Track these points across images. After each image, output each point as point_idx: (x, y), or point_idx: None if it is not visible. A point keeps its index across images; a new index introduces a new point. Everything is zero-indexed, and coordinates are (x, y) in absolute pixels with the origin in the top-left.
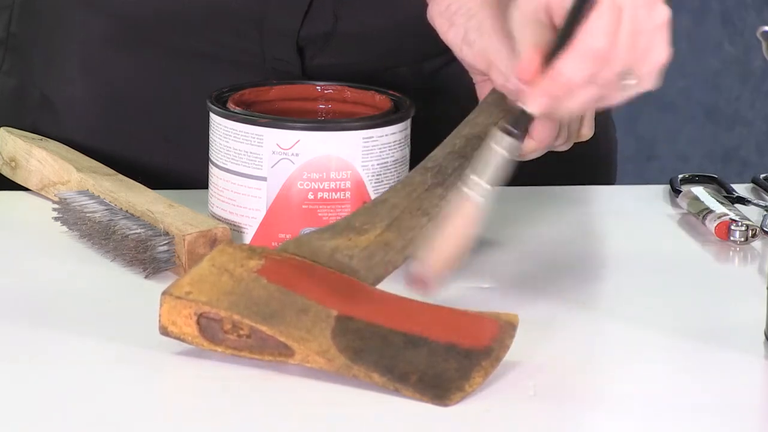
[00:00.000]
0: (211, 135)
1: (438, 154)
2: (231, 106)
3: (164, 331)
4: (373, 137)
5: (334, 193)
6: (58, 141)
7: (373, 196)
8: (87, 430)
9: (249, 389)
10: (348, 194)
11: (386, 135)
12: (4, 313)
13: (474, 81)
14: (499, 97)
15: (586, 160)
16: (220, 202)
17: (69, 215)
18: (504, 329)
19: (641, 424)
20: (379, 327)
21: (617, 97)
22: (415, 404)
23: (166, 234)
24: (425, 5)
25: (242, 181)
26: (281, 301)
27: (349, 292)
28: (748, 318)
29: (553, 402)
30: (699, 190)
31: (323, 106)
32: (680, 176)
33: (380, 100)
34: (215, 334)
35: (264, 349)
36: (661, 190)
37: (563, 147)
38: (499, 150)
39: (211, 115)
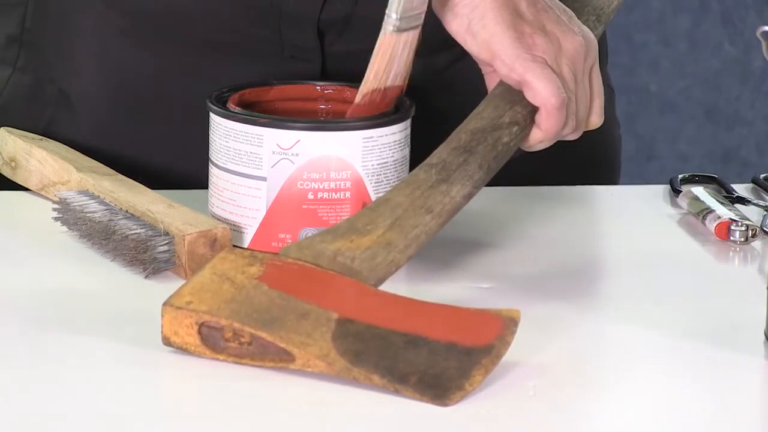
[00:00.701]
0: (211, 135)
1: (442, 150)
2: (231, 106)
3: (167, 342)
4: (373, 137)
5: (334, 193)
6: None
7: (373, 196)
8: (87, 430)
9: (249, 389)
10: (348, 194)
11: (386, 135)
12: (4, 313)
13: (483, 72)
14: (506, 89)
15: (590, 159)
16: (220, 202)
17: (69, 215)
18: (506, 325)
19: (641, 423)
20: (380, 329)
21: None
22: (415, 404)
23: (166, 234)
24: None
25: (242, 181)
26: (282, 306)
27: (349, 294)
28: (748, 318)
29: (553, 402)
30: (699, 190)
31: (323, 106)
32: (680, 176)
33: None
34: (217, 343)
35: (265, 356)
36: (661, 190)
37: (572, 136)
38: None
39: (211, 115)
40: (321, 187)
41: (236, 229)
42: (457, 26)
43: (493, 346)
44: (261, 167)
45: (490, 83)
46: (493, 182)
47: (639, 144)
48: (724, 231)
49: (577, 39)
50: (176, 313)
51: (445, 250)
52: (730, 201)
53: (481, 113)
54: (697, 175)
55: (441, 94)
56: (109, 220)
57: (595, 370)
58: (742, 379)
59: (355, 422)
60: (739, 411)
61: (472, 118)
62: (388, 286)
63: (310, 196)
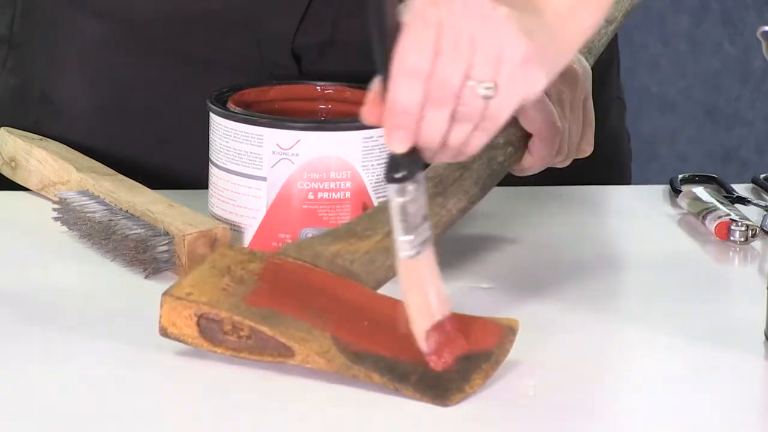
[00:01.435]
0: (211, 135)
1: (438, 165)
2: (231, 106)
3: (164, 332)
4: (373, 137)
5: (334, 193)
6: (58, 140)
7: (373, 196)
8: (86, 430)
9: (249, 389)
10: (348, 194)
11: None
12: (4, 313)
13: None
14: None
15: (598, 168)
16: (220, 202)
17: (69, 215)
18: (504, 334)
19: (641, 424)
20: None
21: (494, 113)
22: (415, 404)
23: (166, 234)
24: None
25: (242, 181)
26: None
27: (347, 300)
28: (748, 318)
29: (553, 402)
30: (699, 190)
31: (323, 106)
32: (680, 176)
33: None
34: (215, 336)
35: (264, 350)
36: (661, 190)
37: (562, 163)
38: (395, 199)
39: (211, 115)
40: (321, 187)
41: (236, 229)
42: None
43: (493, 353)
44: (261, 167)
45: None
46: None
47: (639, 144)
48: (724, 231)
49: (574, 68)
50: (176, 304)
51: (445, 250)
52: (730, 201)
53: None
54: (697, 175)
55: None
56: (109, 220)
57: (595, 370)
58: (742, 379)
59: (355, 422)
60: (739, 411)
61: None
62: (386, 285)
63: (310, 196)
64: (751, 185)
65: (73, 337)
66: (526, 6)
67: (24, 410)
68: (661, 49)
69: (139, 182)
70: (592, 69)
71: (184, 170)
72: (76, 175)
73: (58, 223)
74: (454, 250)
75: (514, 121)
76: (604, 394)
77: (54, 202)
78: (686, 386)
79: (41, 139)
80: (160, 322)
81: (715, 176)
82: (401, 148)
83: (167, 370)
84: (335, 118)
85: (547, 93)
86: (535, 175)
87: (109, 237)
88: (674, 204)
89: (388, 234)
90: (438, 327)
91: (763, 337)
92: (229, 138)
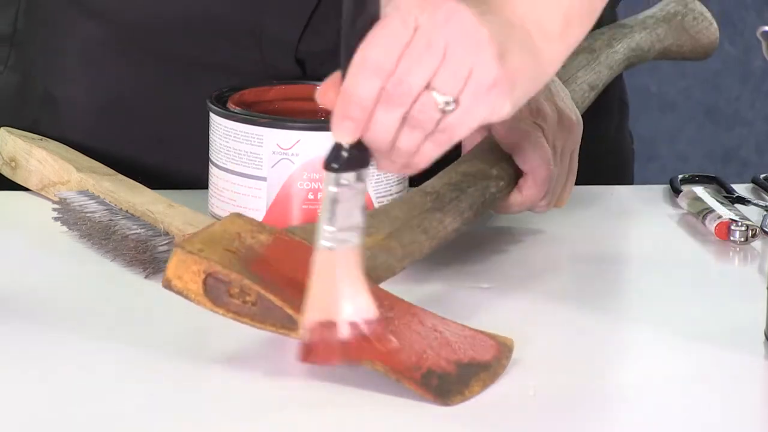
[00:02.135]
0: (211, 135)
1: (436, 183)
2: (231, 106)
3: (167, 284)
4: None
5: None
6: (58, 138)
7: (372, 196)
8: (86, 430)
9: (249, 389)
10: None
11: None
12: (4, 313)
13: None
14: (492, 147)
15: (602, 170)
16: (220, 202)
17: (69, 215)
18: (501, 350)
19: (641, 423)
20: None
21: (450, 127)
22: (415, 404)
23: (166, 234)
24: None
25: (242, 181)
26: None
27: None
28: (748, 318)
29: (553, 402)
30: (699, 190)
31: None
32: (680, 176)
33: None
34: (219, 296)
35: (266, 319)
36: (661, 190)
37: (543, 209)
38: (327, 189)
39: (211, 115)
40: (321, 187)
41: None
42: None
43: (491, 365)
44: (261, 167)
45: (468, 143)
46: None
47: (639, 144)
48: (724, 231)
49: (573, 117)
50: (186, 257)
51: (445, 250)
52: (730, 201)
53: (471, 161)
54: (697, 175)
55: None
56: (109, 220)
57: (595, 370)
58: (742, 379)
59: (355, 422)
60: (739, 411)
61: (461, 163)
62: (387, 286)
63: (310, 196)
64: (751, 185)
65: (72, 337)
66: (516, 23)
67: (24, 410)
68: None
69: (139, 182)
70: None
71: (184, 170)
72: (76, 175)
73: (58, 223)
74: (454, 250)
75: (508, 157)
76: (604, 394)
77: (54, 202)
78: (686, 386)
79: (41, 139)
80: (165, 273)
81: (715, 176)
82: (346, 139)
83: (167, 370)
84: None
85: (545, 135)
86: None
87: (109, 237)
88: (674, 204)
89: (390, 235)
90: (330, 325)
91: (763, 337)
92: (229, 138)
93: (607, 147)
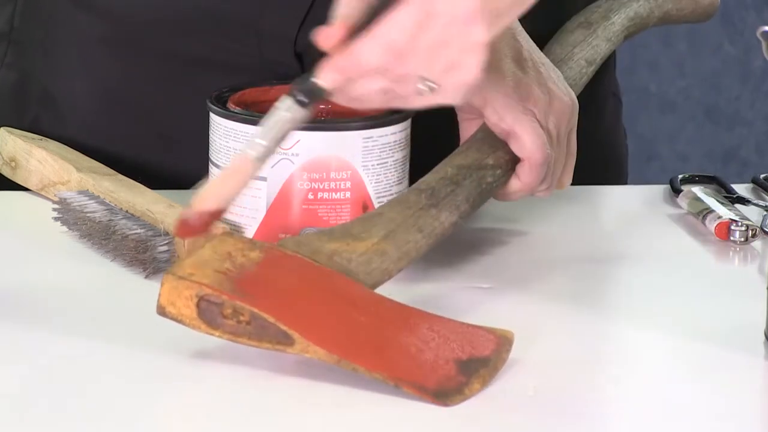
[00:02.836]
0: (211, 135)
1: (430, 178)
2: (231, 106)
3: (161, 311)
4: (373, 137)
5: (334, 193)
6: (57, 137)
7: (373, 196)
8: (86, 430)
9: (249, 389)
10: (348, 194)
11: (386, 135)
12: (4, 313)
13: (459, 119)
14: (487, 135)
15: (596, 165)
16: None
17: (69, 215)
18: (501, 343)
19: (641, 424)
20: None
21: (413, 101)
22: (415, 404)
23: (166, 234)
24: None
25: None
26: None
27: (346, 296)
28: (748, 318)
29: (553, 402)
30: (699, 190)
31: (323, 106)
32: (680, 176)
33: None
34: (214, 318)
35: (263, 337)
36: (661, 190)
37: (544, 194)
38: (281, 112)
39: (211, 115)
40: (321, 187)
41: (236, 229)
42: None
43: (490, 360)
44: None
45: (465, 130)
46: None
47: (639, 144)
48: (724, 231)
49: (566, 99)
50: (177, 283)
51: (444, 250)
52: (730, 201)
53: (465, 152)
54: (697, 175)
55: None
56: (109, 220)
57: (595, 370)
58: (742, 379)
59: (355, 422)
60: (739, 411)
61: (456, 155)
62: (387, 286)
63: (310, 196)
64: (751, 185)
65: (72, 337)
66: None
67: (23, 410)
68: (660, 49)
69: (139, 182)
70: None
71: (184, 170)
72: (76, 175)
73: (58, 223)
74: (454, 250)
75: (504, 145)
76: (604, 395)
77: (54, 202)
78: (686, 386)
79: (41, 139)
80: (158, 300)
81: (715, 176)
82: (329, 85)
83: (167, 370)
84: (335, 118)
85: (538, 120)
86: None
87: (109, 237)
88: (674, 204)
89: (384, 238)
90: (213, 216)
91: (763, 337)
92: (229, 138)
93: (601, 143)
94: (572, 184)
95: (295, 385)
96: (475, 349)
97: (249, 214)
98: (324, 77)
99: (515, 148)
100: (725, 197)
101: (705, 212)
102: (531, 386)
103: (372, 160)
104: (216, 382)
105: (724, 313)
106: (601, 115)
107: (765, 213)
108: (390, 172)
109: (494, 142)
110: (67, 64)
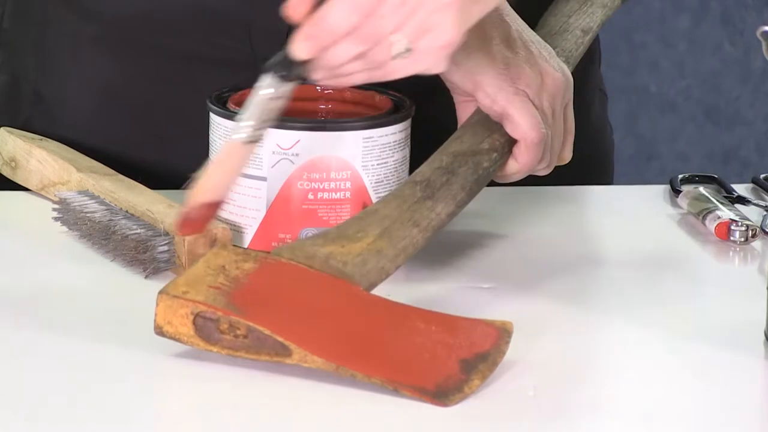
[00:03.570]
0: (211, 135)
1: (425, 169)
2: (231, 106)
3: (159, 331)
4: (373, 137)
5: (334, 193)
6: (53, 138)
7: (373, 196)
8: (86, 430)
9: (248, 390)
10: (348, 194)
11: (386, 135)
12: (4, 313)
13: (456, 101)
14: (483, 118)
15: (584, 161)
16: None
17: (69, 215)
18: (500, 335)
19: (641, 424)
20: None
21: (393, 68)
22: (415, 404)
23: (166, 234)
24: None
25: (242, 181)
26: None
27: (341, 301)
28: (748, 318)
29: (553, 402)
30: (699, 190)
31: (323, 106)
32: (680, 176)
33: (380, 100)
34: (211, 334)
35: (261, 350)
36: (661, 190)
37: (544, 171)
38: (262, 90)
39: (211, 115)
40: (321, 187)
41: (236, 229)
42: None
43: (490, 354)
44: (261, 167)
45: (462, 113)
46: (491, 183)
47: (639, 144)
48: (724, 231)
49: (558, 75)
50: (172, 302)
51: (444, 250)
52: (730, 201)
53: (461, 138)
54: (697, 175)
55: (440, 95)
56: (109, 220)
57: (595, 370)
58: (742, 379)
59: (354, 422)
60: (739, 411)
61: (451, 142)
62: (386, 287)
63: (310, 196)
64: (751, 185)
65: (72, 338)
66: None
67: (23, 410)
68: (661, 49)
69: (139, 182)
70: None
71: (181, 169)
72: (76, 175)
73: (58, 223)
74: (453, 250)
75: (499, 127)
76: (603, 394)
77: (54, 202)
78: (686, 386)
79: (41, 139)
80: (155, 320)
81: (715, 176)
82: (302, 56)
83: (167, 370)
84: (335, 118)
85: (531, 99)
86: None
87: (109, 237)
88: (674, 204)
89: (380, 236)
90: (213, 206)
91: (763, 337)
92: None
93: (587, 138)
94: (561, 182)
95: (295, 384)
96: (475, 344)
97: (249, 214)
98: (297, 47)
99: (510, 129)
100: (725, 197)
101: (705, 212)
102: (531, 386)
103: (372, 160)
104: (216, 382)
105: (724, 313)
106: (588, 111)
107: (765, 213)
108: (390, 172)
109: (490, 124)
110: (59, 64)
